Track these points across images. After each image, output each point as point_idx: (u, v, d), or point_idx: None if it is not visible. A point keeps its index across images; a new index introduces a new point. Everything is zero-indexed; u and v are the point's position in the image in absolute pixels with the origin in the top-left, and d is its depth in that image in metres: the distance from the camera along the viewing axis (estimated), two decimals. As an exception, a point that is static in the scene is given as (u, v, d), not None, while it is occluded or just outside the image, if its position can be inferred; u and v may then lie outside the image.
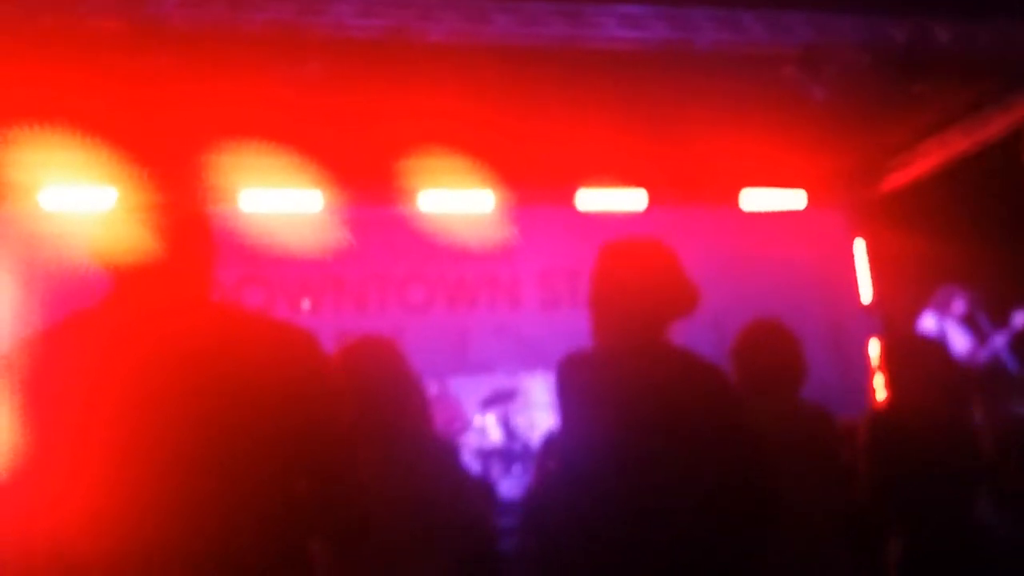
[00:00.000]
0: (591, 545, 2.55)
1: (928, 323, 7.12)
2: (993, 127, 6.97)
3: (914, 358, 3.57)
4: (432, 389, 7.35)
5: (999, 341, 6.79)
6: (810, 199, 8.62)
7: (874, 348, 8.33)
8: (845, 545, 3.32)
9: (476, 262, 8.26)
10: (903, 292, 7.95)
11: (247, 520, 1.77)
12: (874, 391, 8.19)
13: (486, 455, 7.34)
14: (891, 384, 3.54)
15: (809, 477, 3.16)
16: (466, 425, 7.61)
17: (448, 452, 2.93)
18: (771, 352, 3.36)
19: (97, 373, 1.77)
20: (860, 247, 8.77)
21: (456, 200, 8.02)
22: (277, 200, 7.72)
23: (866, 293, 8.71)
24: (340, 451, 1.96)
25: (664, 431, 2.51)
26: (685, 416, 2.53)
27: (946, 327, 7.02)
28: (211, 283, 1.98)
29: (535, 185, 7.97)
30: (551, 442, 3.71)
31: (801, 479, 3.06)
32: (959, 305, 7.02)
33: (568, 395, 2.66)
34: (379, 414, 2.76)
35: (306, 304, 7.96)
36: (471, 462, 7.26)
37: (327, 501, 1.93)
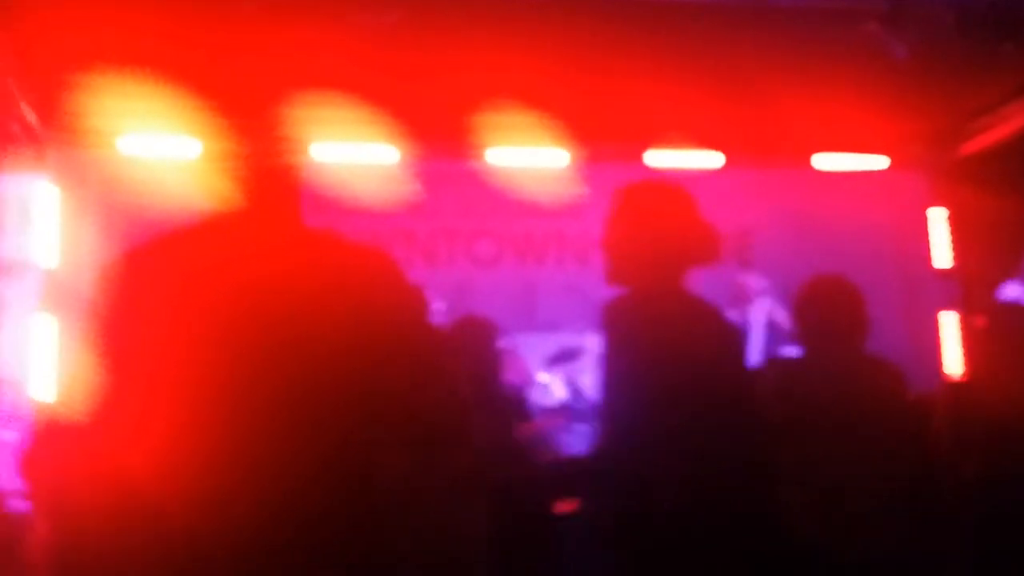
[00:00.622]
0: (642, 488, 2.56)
1: (1011, 292, 6.95)
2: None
3: (1001, 328, 3.50)
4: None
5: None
6: (889, 161, 8.41)
7: (951, 318, 8.15)
8: (906, 505, 3.28)
9: (545, 218, 8.24)
10: (983, 259, 7.76)
11: (323, 455, 1.73)
12: (946, 362, 8.03)
13: (551, 413, 7.35)
14: (972, 356, 3.49)
15: (873, 430, 3.13)
16: (531, 382, 7.63)
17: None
18: (831, 305, 3.35)
19: (186, 298, 1.74)
20: (939, 212, 8.55)
21: (527, 156, 7.97)
22: (349, 152, 7.74)
23: (944, 260, 8.50)
24: (428, 372, 1.92)
25: (679, 379, 2.54)
26: (697, 362, 2.56)
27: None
28: (300, 213, 2.00)
29: (607, 143, 7.88)
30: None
31: (863, 432, 3.04)
32: None
33: (603, 340, 2.69)
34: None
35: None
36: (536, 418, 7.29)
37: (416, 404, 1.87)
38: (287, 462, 1.68)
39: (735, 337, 2.77)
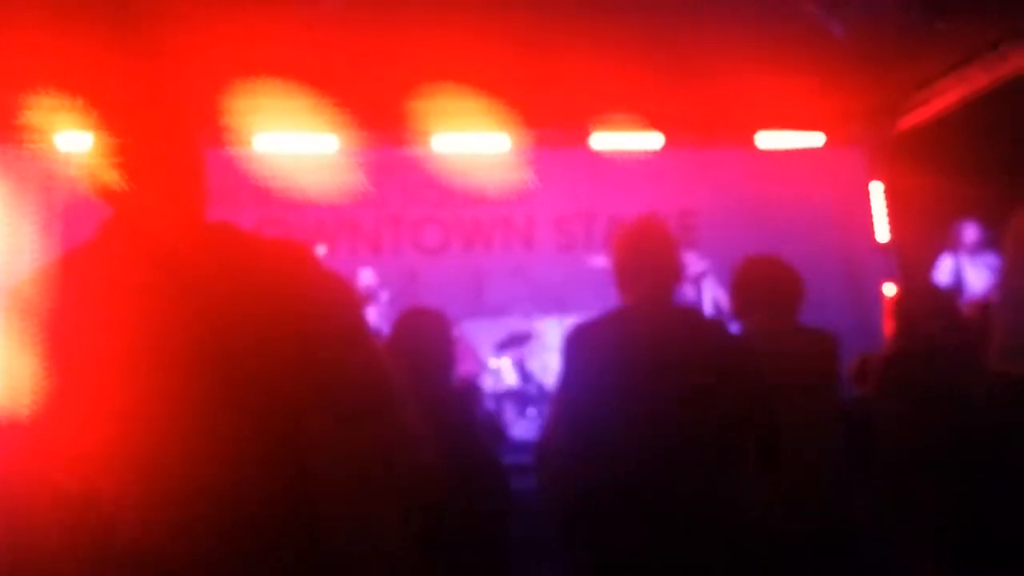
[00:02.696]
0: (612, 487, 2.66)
1: (945, 264, 7.10)
2: (1012, 63, 6.86)
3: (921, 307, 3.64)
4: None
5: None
6: (827, 138, 8.54)
7: (890, 289, 8.29)
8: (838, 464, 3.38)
9: (491, 204, 8.25)
10: (921, 232, 7.91)
11: (257, 444, 1.76)
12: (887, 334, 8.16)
13: (501, 397, 7.39)
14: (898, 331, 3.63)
15: (807, 393, 3.22)
16: (481, 368, 7.65)
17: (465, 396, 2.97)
18: (765, 278, 3.49)
19: (98, 305, 1.76)
20: (877, 187, 8.69)
21: (471, 142, 7.97)
22: (292, 142, 7.70)
23: (883, 233, 8.65)
24: (349, 348, 1.93)
25: (682, 378, 2.72)
26: (699, 364, 2.76)
27: (961, 265, 7.00)
28: (204, 208, 1.97)
29: (550, 127, 7.91)
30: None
31: (800, 396, 3.13)
32: (971, 236, 6.98)
33: (589, 354, 2.84)
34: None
35: (323, 248, 7.98)
36: (486, 404, 7.31)
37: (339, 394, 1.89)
38: (218, 449, 1.71)
39: (730, 336, 2.98)
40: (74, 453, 1.69)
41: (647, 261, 2.95)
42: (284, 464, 1.78)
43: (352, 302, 2.06)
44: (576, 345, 2.86)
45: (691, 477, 2.66)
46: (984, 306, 6.67)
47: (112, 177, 1.86)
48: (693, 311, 3.05)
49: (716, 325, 3.22)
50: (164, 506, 1.68)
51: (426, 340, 3.34)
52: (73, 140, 7.01)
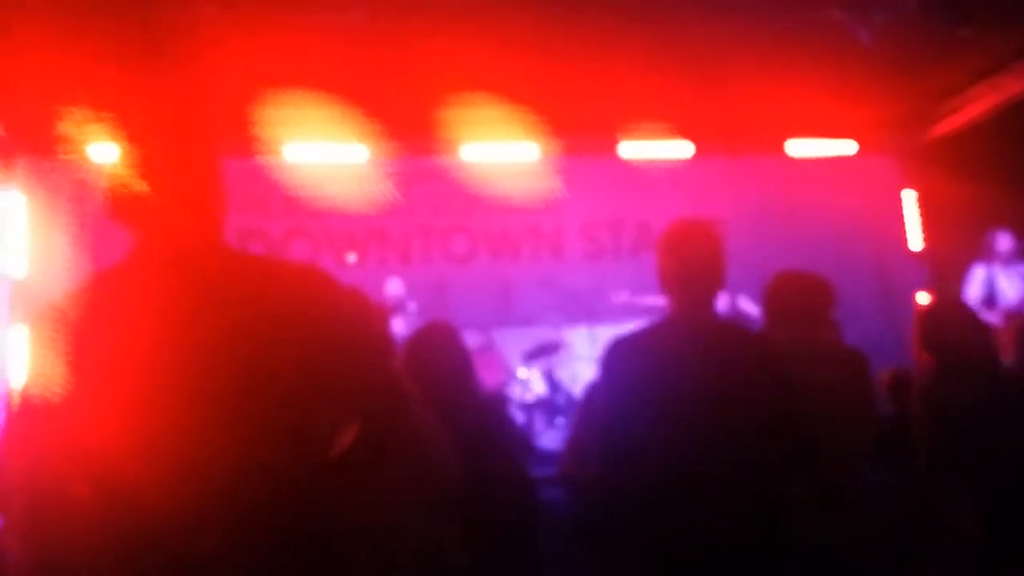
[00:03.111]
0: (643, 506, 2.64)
1: (978, 273, 7.02)
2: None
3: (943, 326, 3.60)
4: (475, 341, 7.39)
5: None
6: (859, 147, 8.48)
7: (923, 298, 8.22)
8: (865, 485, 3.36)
9: (519, 213, 8.25)
10: (953, 240, 7.83)
11: (278, 461, 1.81)
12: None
13: (530, 407, 7.38)
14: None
15: (837, 411, 3.19)
16: (510, 377, 7.65)
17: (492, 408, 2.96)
18: (798, 293, 3.46)
19: (127, 323, 1.83)
20: (910, 195, 8.63)
21: (499, 151, 7.98)
22: (321, 152, 7.73)
23: (916, 241, 8.58)
24: (362, 363, 2.01)
25: (723, 393, 2.71)
26: (739, 379, 2.76)
27: (994, 274, 6.92)
28: (221, 226, 2.01)
29: (579, 135, 7.90)
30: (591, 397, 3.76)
31: (829, 414, 3.10)
32: (1004, 245, 6.90)
33: (628, 368, 2.82)
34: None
35: (352, 257, 8.01)
36: (515, 414, 7.30)
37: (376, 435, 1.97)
38: (236, 452, 1.78)
39: (769, 352, 2.96)
40: (102, 452, 1.76)
41: (694, 269, 2.92)
42: (295, 465, 1.84)
43: (367, 323, 2.10)
44: (615, 357, 2.85)
45: (729, 492, 2.63)
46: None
47: (137, 189, 1.90)
48: (732, 324, 3.01)
49: (754, 339, 3.18)
50: (183, 501, 1.76)
51: (442, 353, 3.33)
52: (106, 151, 7.07)
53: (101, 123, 6.16)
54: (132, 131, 1.97)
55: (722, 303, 6.99)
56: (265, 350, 1.84)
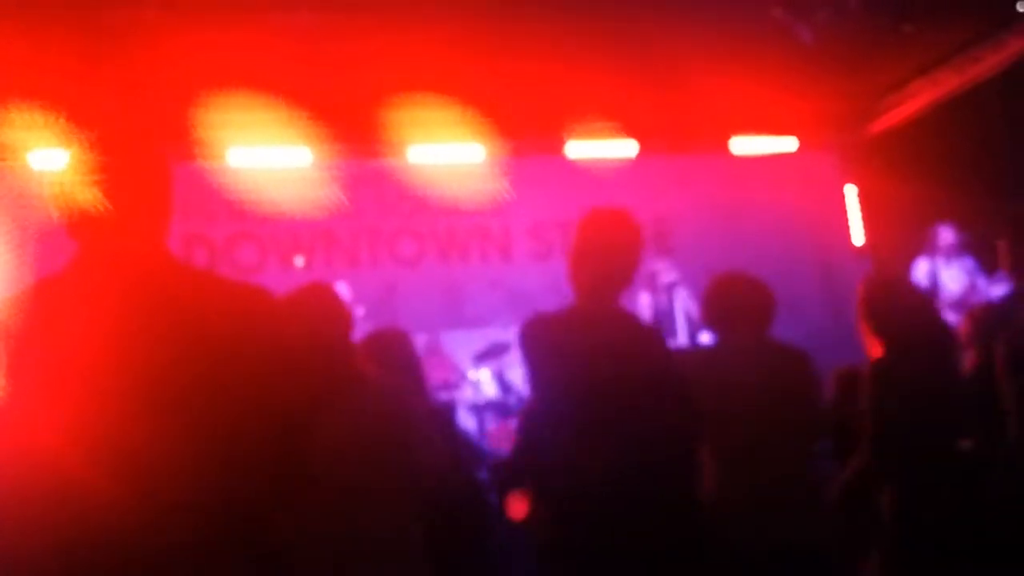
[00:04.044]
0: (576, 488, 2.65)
1: (921, 267, 7.12)
2: (984, 65, 6.91)
3: (896, 305, 3.62)
4: (424, 344, 7.36)
5: (988, 287, 6.78)
6: (800, 143, 8.57)
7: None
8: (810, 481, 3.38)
9: (467, 215, 8.23)
10: (896, 234, 7.94)
11: (211, 468, 1.84)
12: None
13: (480, 409, 7.36)
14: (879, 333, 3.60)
15: (778, 413, 3.20)
16: (460, 379, 7.63)
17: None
18: (737, 295, 3.48)
19: (67, 337, 1.83)
20: (851, 190, 8.74)
21: (446, 152, 7.95)
22: (266, 156, 7.65)
23: (858, 236, 8.69)
24: (297, 410, 2.05)
25: (624, 379, 2.73)
26: (637, 366, 2.78)
27: (937, 268, 7.02)
28: (166, 234, 2.03)
29: (525, 136, 7.90)
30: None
31: (770, 415, 3.12)
32: (946, 239, 7.01)
33: (539, 351, 2.84)
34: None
35: (300, 261, 7.94)
36: (465, 417, 7.28)
37: (286, 464, 2.00)
38: (173, 449, 1.81)
39: (662, 341, 2.98)
40: (48, 454, 1.79)
41: (608, 262, 2.91)
42: (236, 469, 1.88)
43: (308, 339, 2.15)
44: (529, 337, 2.85)
45: (647, 468, 2.66)
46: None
47: (79, 196, 1.90)
48: (632, 316, 3.01)
49: (653, 332, 3.22)
50: (130, 502, 1.78)
51: (394, 360, 3.31)
52: (47, 158, 6.95)
53: (42, 129, 6.06)
54: (75, 136, 1.96)
55: (663, 303, 7.03)
56: (207, 359, 1.86)
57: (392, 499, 2.68)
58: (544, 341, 2.83)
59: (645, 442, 2.67)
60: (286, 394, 1.99)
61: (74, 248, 1.95)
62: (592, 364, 2.74)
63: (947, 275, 6.94)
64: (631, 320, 3.01)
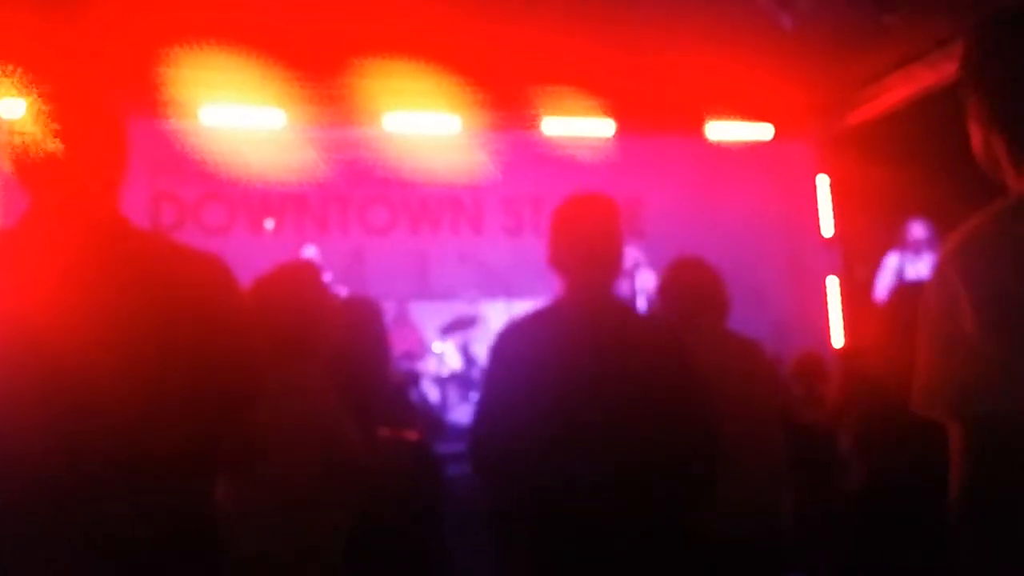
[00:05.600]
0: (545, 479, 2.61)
1: (890, 261, 7.17)
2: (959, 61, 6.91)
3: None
4: (391, 313, 7.34)
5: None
6: (776, 131, 8.58)
7: (833, 285, 8.38)
8: (774, 475, 3.38)
9: (440, 186, 8.19)
10: (867, 227, 7.98)
11: (158, 436, 1.84)
12: (831, 327, 8.26)
13: (444, 381, 7.36)
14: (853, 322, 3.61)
15: (734, 400, 3.20)
16: (425, 351, 7.62)
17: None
18: (693, 286, 3.46)
19: (14, 296, 1.83)
20: (824, 181, 8.76)
21: (422, 122, 7.89)
22: (239, 117, 7.56)
23: (828, 227, 8.72)
24: (249, 380, 2.05)
25: (620, 374, 2.65)
26: (636, 361, 2.68)
27: (905, 262, 7.07)
28: (119, 192, 2.02)
29: (502, 110, 7.85)
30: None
31: (725, 403, 3.11)
32: (916, 234, 7.06)
33: (524, 354, 2.74)
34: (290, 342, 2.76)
35: (270, 224, 7.87)
36: (429, 388, 7.28)
37: (232, 428, 2.03)
38: (108, 414, 1.80)
39: (668, 335, 2.90)
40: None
41: (590, 247, 2.81)
42: (168, 425, 1.87)
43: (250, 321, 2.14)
44: (503, 344, 2.77)
45: (622, 480, 2.58)
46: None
47: (35, 147, 1.88)
48: (629, 308, 2.91)
49: (653, 322, 3.14)
50: (60, 445, 1.79)
51: (361, 333, 3.28)
52: (4, 107, 6.84)
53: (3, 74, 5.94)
54: (33, 87, 1.95)
55: (625, 285, 7.03)
56: (154, 320, 1.85)
57: (335, 475, 2.65)
58: (522, 345, 2.74)
59: (624, 455, 2.58)
60: (231, 363, 1.98)
61: (28, 200, 1.93)
62: (579, 360, 2.64)
63: (914, 269, 6.99)
64: (628, 315, 2.93)
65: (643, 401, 2.64)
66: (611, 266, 2.83)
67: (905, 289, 3.75)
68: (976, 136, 1.73)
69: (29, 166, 1.90)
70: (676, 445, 2.66)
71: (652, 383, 2.68)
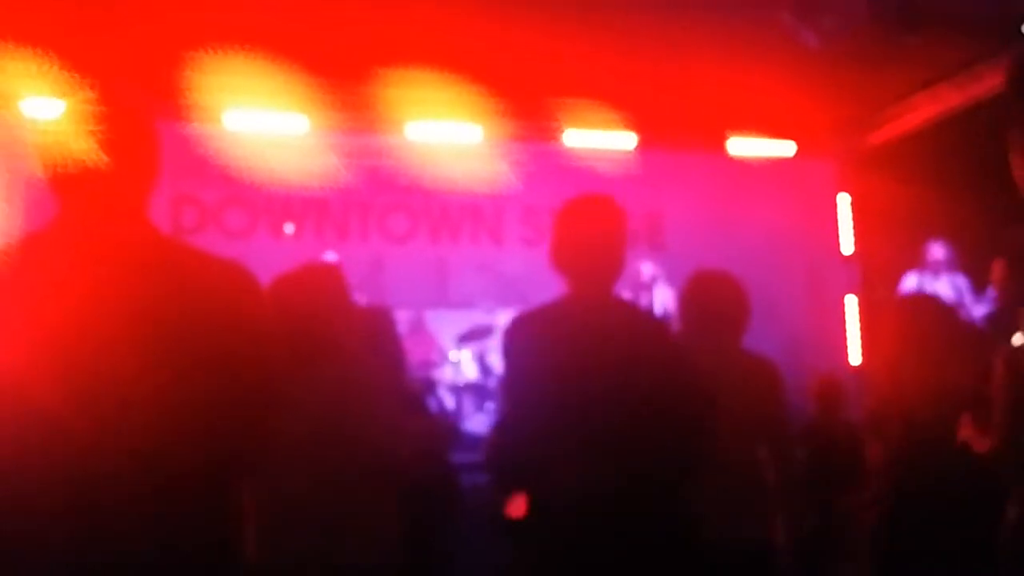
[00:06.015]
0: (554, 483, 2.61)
1: (910, 281, 7.15)
2: (985, 83, 6.90)
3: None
4: (409, 321, 7.36)
5: (974, 305, 6.81)
6: (798, 148, 8.57)
7: (852, 303, 8.35)
8: (769, 494, 3.36)
9: (460, 195, 8.20)
10: (887, 247, 7.96)
11: (180, 441, 1.85)
12: (849, 346, 8.24)
13: (460, 390, 7.36)
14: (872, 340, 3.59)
15: (743, 423, 3.19)
16: (441, 359, 7.63)
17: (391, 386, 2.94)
18: (714, 297, 3.43)
19: (43, 299, 1.83)
20: (845, 199, 8.74)
21: (444, 131, 7.92)
22: (263, 122, 7.61)
23: (848, 246, 8.70)
24: (267, 390, 2.05)
25: (621, 372, 2.65)
26: (638, 359, 2.70)
27: (924, 283, 7.04)
28: (149, 198, 2.03)
29: (524, 120, 7.88)
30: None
31: (735, 424, 3.10)
32: (936, 255, 7.03)
33: (529, 347, 2.76)
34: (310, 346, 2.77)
35: (290, 228, 7.90)
36: (445, 397, 7.29)
37: (249, 435, 2.03)
38: (134, 413, 1.81)
39: (667, 332, 2.90)
40: (29, 401, 1.79)
41: (593, 246, 2.84)
42: (192, 427, 1.88)
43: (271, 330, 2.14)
44: (514, 339, 2.79)
45: (625, 477, 2.60)
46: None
47: (69, 151, 1.89)
48: (634, 306, 2.92)
49: (656, 320, 3.13)
50: (105, 454, 1.80)
51: (375, 337, 3.31)
52: (40, 107, 6.89)
53: (35, 78, 6.01)
54: (70, 88, 1.97)
55: (644, 299, 7.04)
56: (179, 326, 1.86)
57: (358, 477, 2.67)
58: (526, 339, 2.76)
59: (631, 448, 2.61)
60: (253, 370, 1.99)
61: (57, 204, 1.93)
62: (581, 356, 2.66)
63: (933, 290, 6.96)
64: (631, 310, 2.95)
65: (644, 395, 2.67)
66: (612, 266, 2.85)
67: (916, 300, 3.73)
68: (1019, 167, 1.73)
69: (63, 170, 1.91)
70: (675, 434, 2.70)
71: (652, 378, 2.71)
